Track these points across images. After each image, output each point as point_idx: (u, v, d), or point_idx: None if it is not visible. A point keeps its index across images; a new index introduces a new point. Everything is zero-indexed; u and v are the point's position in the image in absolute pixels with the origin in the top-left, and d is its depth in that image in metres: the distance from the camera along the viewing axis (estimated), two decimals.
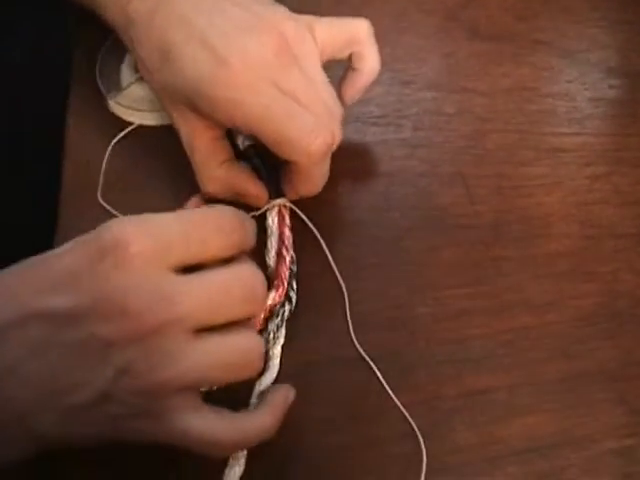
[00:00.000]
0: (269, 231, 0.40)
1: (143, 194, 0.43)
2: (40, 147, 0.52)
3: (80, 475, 0.34)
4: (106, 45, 0.48)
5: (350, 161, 0.44)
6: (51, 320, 0.29)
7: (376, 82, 0.43)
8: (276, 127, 0.36)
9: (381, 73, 0.43)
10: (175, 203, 0.39)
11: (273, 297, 0.37)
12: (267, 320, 0.37)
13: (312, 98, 0.37)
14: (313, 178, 0.40)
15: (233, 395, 0.33)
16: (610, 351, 0.38)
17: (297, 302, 0.38)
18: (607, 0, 0.55)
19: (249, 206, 0.40)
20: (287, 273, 0.38)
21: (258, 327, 0.36)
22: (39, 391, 0.29)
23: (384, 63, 0.42)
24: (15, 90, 0.54)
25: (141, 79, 0.45)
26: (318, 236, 0.40)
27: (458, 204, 0.43)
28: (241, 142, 0.41)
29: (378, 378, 0.36)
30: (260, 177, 0.41)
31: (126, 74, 0.46)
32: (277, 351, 0.37)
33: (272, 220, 0.40)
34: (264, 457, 0.33)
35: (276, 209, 0.40)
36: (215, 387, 0.33)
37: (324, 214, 0.41)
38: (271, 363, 0.36)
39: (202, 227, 0.32)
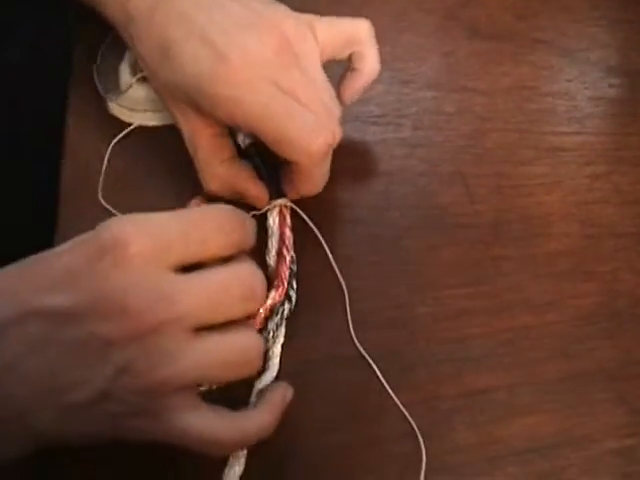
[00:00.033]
0: (270, 231, 0.40)
1: (143, 194, 0.43)
2: (39, 147, 0.52)
3: (79, 474, 0.34)
4: (105, 43, 0.47)
5: (350, 160, 0.44)
6: (50, 318, 0.29)
7: (376, 81, 0.43)
8: (276, 126, 0.36)
9: (381, 72, 0.43)
10: (175, 203, 0.39)
11: (273, 297, 0.37)
12: (267, 319, 0.37)
13: (312, 97, 0.37)
14: (314, 178, 0.40)
15: (232, 394, 0.33)
16: (610, 351, 0.38)
17: (297, 301, 0.38)
18: None
19: (250, 206, 0.40)
20: (287, 273, 0.38)
21: (258, 326, 0.36)
22: (38, 388, 0.29)
23: (384, 62, 0.42)
24: (14, 90, 0.54)
25: (140, 80, 0.45)
26: (318, 235, 0.40)
27: (458, 203, 0.43)
28: (242, 140, 0.41)
29: (378, 377, 0.36)
30: (261, 176, 0.40)
31: (125, 74, 0.46)
32: (277, 350, 0.37)
33: (273, 220, 0.40)
34: (263, 456, 0.33)
35: (277, 209, 0.40)
36: (215, 386, 0.33)
37: (324, 213, 0.41)
38: (271, 362, 0.36)
39: (202, 226, 0.32)
